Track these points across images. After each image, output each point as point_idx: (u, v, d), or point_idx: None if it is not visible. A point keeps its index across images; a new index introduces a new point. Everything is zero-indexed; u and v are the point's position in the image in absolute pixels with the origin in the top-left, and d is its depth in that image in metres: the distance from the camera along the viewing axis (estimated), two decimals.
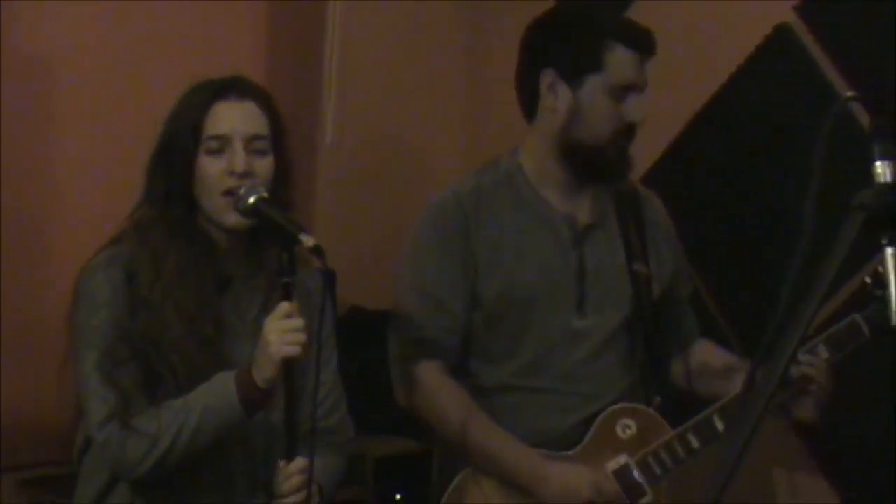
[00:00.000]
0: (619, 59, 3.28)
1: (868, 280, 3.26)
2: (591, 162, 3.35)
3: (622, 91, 3.29)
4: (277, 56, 4.70)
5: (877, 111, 2.31)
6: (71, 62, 4.33)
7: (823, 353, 3.31)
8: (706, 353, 3.56)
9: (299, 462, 2.93)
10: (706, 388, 3.48)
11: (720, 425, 3.29)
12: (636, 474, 3.32)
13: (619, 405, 3.35)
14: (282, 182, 3.03)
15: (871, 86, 2.29)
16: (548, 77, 3.34)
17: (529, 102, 3.40)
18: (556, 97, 3.33)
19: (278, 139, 3.03)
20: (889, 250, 2.15)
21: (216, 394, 2.91)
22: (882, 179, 2.19)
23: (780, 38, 4.24)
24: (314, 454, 2.90)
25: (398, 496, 4.45)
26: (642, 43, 3.33)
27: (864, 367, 3.35)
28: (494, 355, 3.41)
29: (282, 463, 2.95)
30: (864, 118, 2.64)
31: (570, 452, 3.34)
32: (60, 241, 4.28)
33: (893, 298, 2.13)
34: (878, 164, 2.20)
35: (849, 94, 2.17)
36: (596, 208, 3.42)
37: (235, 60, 4.02)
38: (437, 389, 3.38)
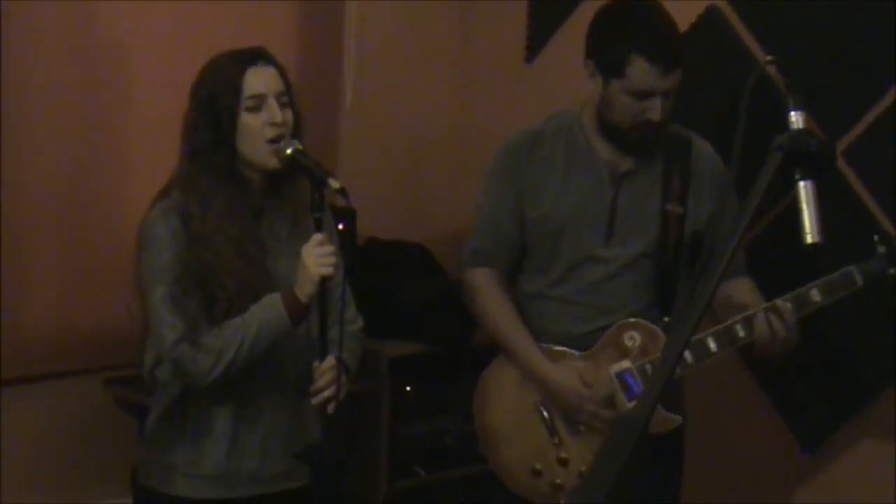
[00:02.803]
0: (640, 70, 3.18)
1: (875, 238, 3.27)
2: (617, 137, 3.32)
3: (643, 95, 3.21)
4: (306, 33, 4.70)
5: (790, 73, 2.33)
6: (143, 47, 4.36)
7: (815, 296, 3.24)
8: (735, 290, 3.37)
9: (330, 360, 2.97)
10: (724, 319, 3.32)
11: (713, 345, 3.25)
12: (632, 378, 3.30)
13: (629, 320, 3.33)
14: (299, 129, 3.05)
15: (791, 59, 2.30)
16: (590, 66, 3.30)
17: (586, 70, 3.36)
18: (594, 83, 3.30)
19: (292, 96, 3.05)
20: (801, 184, 2.18)
21: (267, 310, 2.94)
22: (795, 126, 2.22)
23: (709, 20, 4.18)
24: (342, 350, 2.96)
25: (408, 388, 4.47)
26: (663, 57, 3.19)
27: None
28: (533, 268, 3.43)
29: (315, 363, 2.99)
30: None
31: (583, 353, 3.35)
32: (136, 181, 4.29)
33: (806, 221, 2.16)
34: (792, 113, 2.23)
35: (768, 57, 2.18)
36: (639, 157, 3.36)
37: (271, 37, 4.08)
38: (484, 291, 3.43)
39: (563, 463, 3.34)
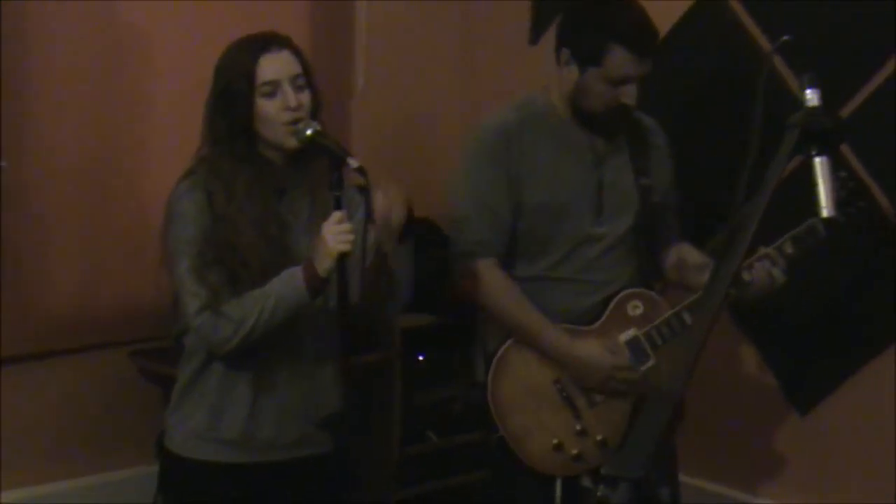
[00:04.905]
0: (617, 59, 3.15)
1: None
2: (589, 122, 3.30)
3: (619, 82, 3.19)
4: (318, 20, 4.66)
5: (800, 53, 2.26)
6: (162, 30, 4.33)
7: (788, 248, 3.26)
8: (684, 252, 3.45)
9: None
10: (682, 279, 3.41)
11: None
12: (642, 343, 3.30)
13: (630, 290, 3.32)
14: (317, 108, 2.98)
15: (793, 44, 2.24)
16: (564, 55, 3.26)
17: (557, 58, 3.31)
18: (568, 71, 3.25)
19: (309, 77, 2.98)
20: (817, 159, 2.12)
21: (287, 282, 2.89)
22: (810, 104, 2.16)
23: (707, 3, 4.14)
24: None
25: (420, 358, 4.47)
26: (641, 45, 3.17)
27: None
28: (532, 253, 3.36)
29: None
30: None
31: (591, 327, 3.33)
32: (156, 163, 4.29)
33: (822, 196, 2.10)
34: (807, 91, 2.17)
35: (783, 38, 2.10)
36: (610, 138, 3.36)
37: (286, 23, 4.02)
38: (494, 282, 3.33)
39: (582, 433, 3.32)
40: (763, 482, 4.19)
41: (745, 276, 3.19)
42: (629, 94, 3.19)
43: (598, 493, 1.70)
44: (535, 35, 4.77)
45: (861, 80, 3.77)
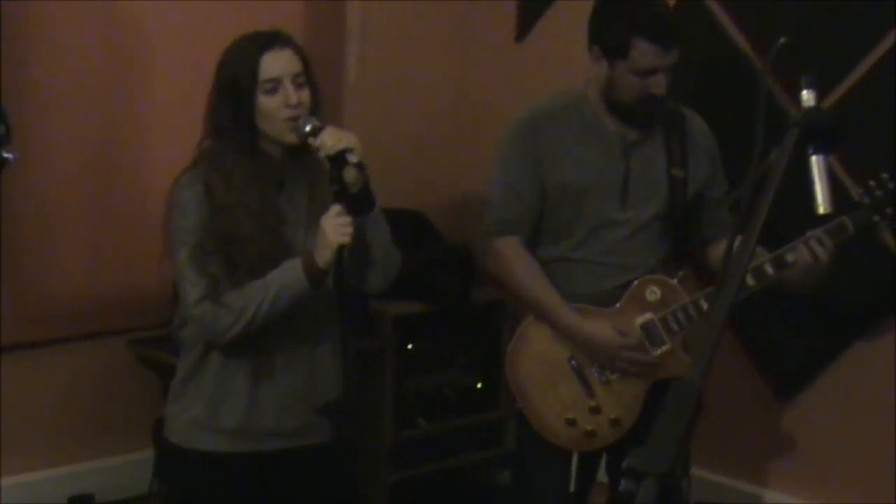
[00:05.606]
0: (643, 51, 3.20)
1: (860, 192, 3.28)
2: (623, 114, 3.35)
3: (647, 73, 3.24)
4: (311, 18, 4.64)
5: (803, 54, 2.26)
6: (163, 26, 4.32)
7: (824, 239, 3.25)
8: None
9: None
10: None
11: (770, 269, 3.28)
12: (658, 328, 3.34)
13: (649, 276, 3.36)
14: (317, 106, 2.99)
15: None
16: (595, 51, 3.32)
17: (590, 54, 3.36)
18: (600, 66, 3.31)
19: (310, 75, 2.99)
20: (814, 157, 2.13)
21: (288, 274, 2.89)
22: (808, 104, 2.16)
23: (685, 3, 4.12)
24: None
25: (409, 346, 4.46)
26: (663, 37, 3.22)
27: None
28: (555, 234, 3.42)
29: None
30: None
31: (610, 309, 3.37)
32: (156, 156, 4.27)
33: (818, 193, 2.11)
34: (804, 92, 2.17)
35: (783, 40, 2.10)
36: (643, 129, 3.40)
37: (282, 18, 4.00)
38: (513, 258, 3.40)
39: (595, 411, 3.38)
40: (744, 467, 4.20)
41: (789, 256, 3.24)
42: (658, 85, 3.25)
43: (621, 488, 1.70)
44: (521, 33, 4.79)
45: (834, 82, 3.77)
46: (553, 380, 3.39)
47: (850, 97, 3.76)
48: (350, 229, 2.83)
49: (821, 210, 2.12)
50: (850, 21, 3.78)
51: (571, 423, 3.38)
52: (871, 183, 3.25)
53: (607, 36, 3.29)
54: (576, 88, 3.45)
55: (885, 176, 3.27)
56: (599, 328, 3.33)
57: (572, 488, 3.48)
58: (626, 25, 3.23)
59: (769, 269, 3.25)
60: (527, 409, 3.43)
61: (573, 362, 3.38)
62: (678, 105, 3.46)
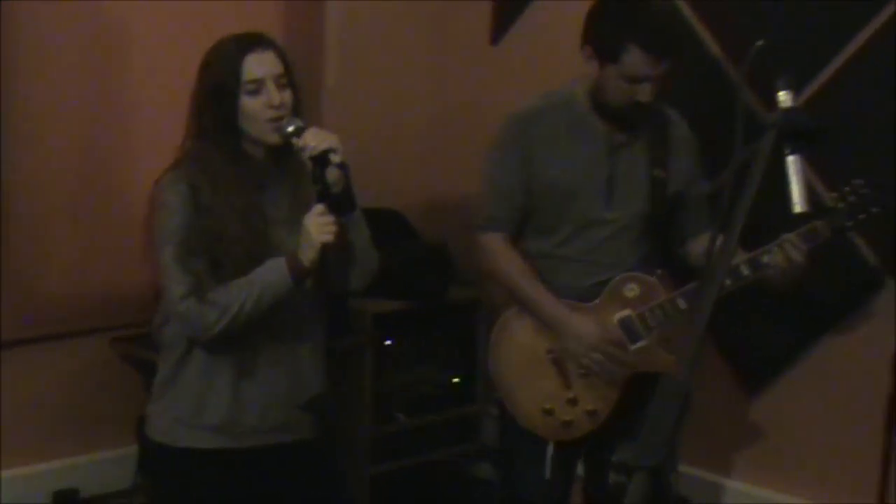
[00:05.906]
0: (634, 58, 3.15)
1: (835, 197, 3.27)
2: (610, 115, 3.33)
3: (636, 80, 3.20)
4: (292, 17, 4.66)
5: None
6: (146, 28, 4.33)
7: (798, 241, 3.22)
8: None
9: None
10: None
11: (746, 271, 3.27)
12: (636, 324, 3.36)
13: (628, 273, 3.38)
14: (299, 106, 2.99)
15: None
16: (587, 51, 3.28)
17: (582, 53, 3.32)
18: (590, 66, 3.28)
19: (291, 76, 2.99)
20: (790, 157, 2.15)
21: (272, 271, 2.89)
22: (785, 105, 2.18)
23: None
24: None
25: (387, 342, 4.48)
26: (658, 47, 3.16)
27: None
28: (541, 231, 3.44)
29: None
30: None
31: (589, 304, 3.39)
32: (141, 157, 4.26)
33: (795, 192, 2.13)
34: (781, 93, 2.19)
35: (759, 42, 2.12)
36: (629, 130, 3.38)
37: (262, 20, 4.05)
38: (499, 253, 3.44)
39: (573, 402, 3.40)
40: (712, 457, 4.22)
41: (765, 258, 3.23)
42: (645, 93, 3.20)
43: (612, 481, 1.71)
44: (496, 36, 4.80)
45: (804, 82, 3.76)
46: (532, 370, 3.41)
47: (818, 100, 3.77)
48: (333, 228, 2.84)
49: (798, 209, 2.14)
50: (816, 25, 3.81)
51: (549, 412, 3.40)
52: (846, 188, 3.24)
53: (601, 37, 3.24)
54: (566, 87, 3.43)
55: (858, 182, 3.26)
56: (584, 321, 3.35)
57: (547, 475, 3.47)
58: (622, 30, 3.18)
59: (745, 271, 3.25)
60: (506, 397, 3.46)
61: (551, 355, 3.40)
62: (662, 106, 3.44)
